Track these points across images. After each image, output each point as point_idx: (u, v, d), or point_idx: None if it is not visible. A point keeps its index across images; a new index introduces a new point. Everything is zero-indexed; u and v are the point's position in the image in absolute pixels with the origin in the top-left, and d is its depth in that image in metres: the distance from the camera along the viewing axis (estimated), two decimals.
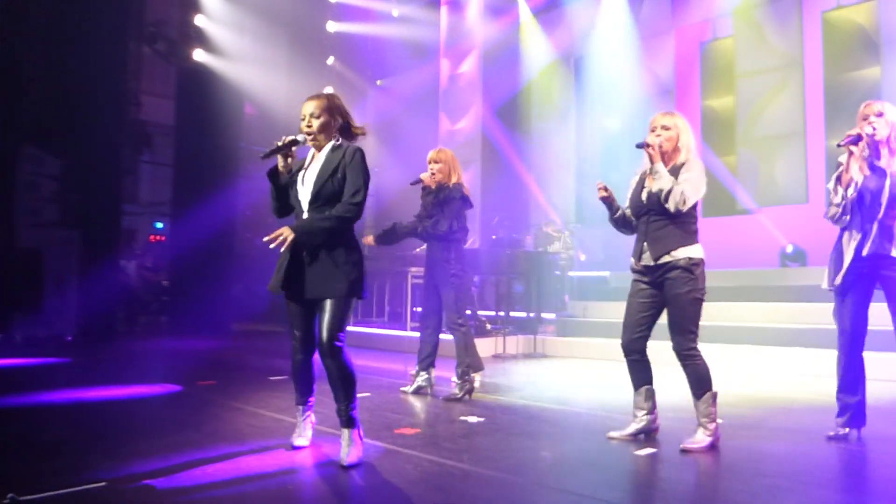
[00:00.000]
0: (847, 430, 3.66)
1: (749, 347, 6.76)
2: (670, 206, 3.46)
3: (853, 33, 9.35)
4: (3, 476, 2.97)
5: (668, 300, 3.57)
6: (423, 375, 5.22)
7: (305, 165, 3.32)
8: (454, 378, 5.05)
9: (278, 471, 3.11)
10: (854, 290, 3.60)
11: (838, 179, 3.61)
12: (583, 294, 9.68)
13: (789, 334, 6.75)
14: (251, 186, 12.65)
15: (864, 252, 3.53)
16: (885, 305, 3.59)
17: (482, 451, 3.51)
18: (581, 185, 11.91)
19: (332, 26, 13.57)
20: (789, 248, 9.27)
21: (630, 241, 3.78)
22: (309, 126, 3.27)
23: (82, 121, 9.48)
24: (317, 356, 3.31)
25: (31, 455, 3.36)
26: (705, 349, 3.62)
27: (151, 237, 15.06)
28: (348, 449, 3.18)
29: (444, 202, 5.00)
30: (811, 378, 5.94)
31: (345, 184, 3.21)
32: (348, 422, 3.21)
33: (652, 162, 3.56)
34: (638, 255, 3.66)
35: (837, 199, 3.59)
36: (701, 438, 3.49)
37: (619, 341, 3.78)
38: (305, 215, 3.23)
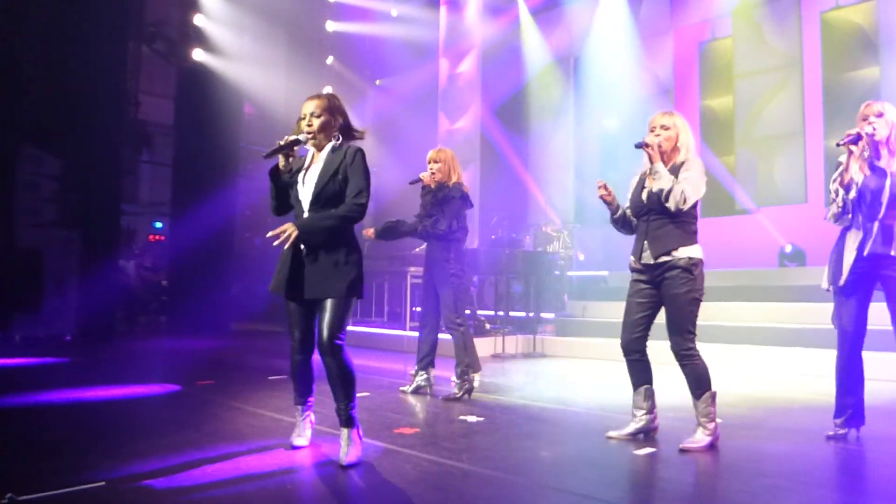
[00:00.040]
0: (846, 430, 3.66)
1: (748, 347, 6.76)
2: (671, 205, 3.47)
3: (852, 33, 9.36)
4: (2, 476, 2.97)
5: (666, 300, 3.57)
6: (423, 375, 5.22)
7: (306, 165, 3.32)
8: (453, 378, 5.05)
9: (277, 470, 3.11)
10: (855, 290, 3.60)
11: (839, 179, 3.61)
12: (582, 294, 9.69)
13: (788, 334, 6.76)
14: (250, 186, 12.67)
15: (866, 252, 3.53)
16: (884, 305, 3.59)
17: (481, 450, 3.51)
18: (580, 185, 11.93)
19: (331, 26, 13.58)
20: (788, 248, 9.27)
21: (629, 240, 3.79)
22: (309, 125, 3.27)
23: (82, 121, 9.48)
24: (316, 356, 3.31)
25: (30, 455, 3.36)
26: (704, 349, 3.63)
27: (151, 237, 15.04)
28: (347, 448, 3.18)
29: (443, 201, 5.00)
30: (810, 378, 5.95)
31: (346, 185, 3.22)
32: (347, 421, 3.22)
33: (651, 161, 3.56)
34: (638, 254, 3.66)
35: (839, 200, 3.60)
36: (700, 438, 3.50)
37: (618, 341, 3.78)
38: (306, 215, 3.23)
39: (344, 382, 3.20)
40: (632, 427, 3.72)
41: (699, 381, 3.54)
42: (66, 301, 9.34)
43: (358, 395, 3.30)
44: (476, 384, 5.20)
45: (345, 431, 3.22)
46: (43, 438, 3.76)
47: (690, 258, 3.52)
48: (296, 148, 3.27)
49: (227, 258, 11.81)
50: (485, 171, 11.93)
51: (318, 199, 3.21)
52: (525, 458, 3.37)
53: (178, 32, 11.86)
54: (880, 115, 3.55)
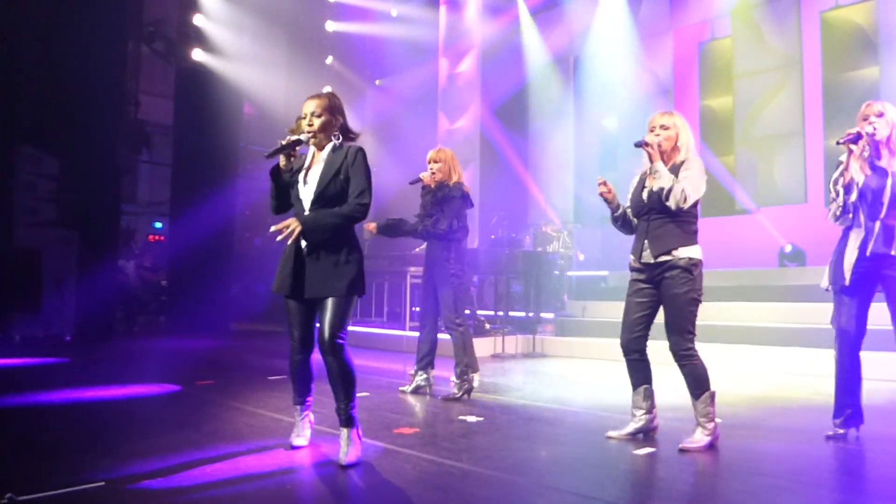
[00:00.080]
0: (845, 429, 3.66)
1: (747, 347, 6.76)
2: (671, 203, 3.47)
3: (851, 33, 9.36)
4: (1, 476, 2.97)
5: (665, 300, 3.57)
6: (422, 375, 5.22)
7: (306, 165, 3.32)
8: (453, 378, 5.04)
9: (277, 470, 3.11)
10: (856, 290, 3.60)
11: (839, 179, 3.61)
12: (581, 294, 9.68)
13: (788, 334, 6.76)
14: (250, 186, 12.67)
15: (868, 251, 3.53)
16: (884, 305, 3.59)
17: (481, 450, 3.51)
18: (580, 185, 11.93)
19: (330, 26, 13.58)
20: (788, 248, 9.27)
21: (628, 240, 3.79)
22: (310, 125, 3.28)
23: (81, 120, 9.48)
24: (316, 356, 3.31)
25: (30, 455, 3.36)
26: (703, 349, 3.63)
27: (150, 237, 15.04)
28: (347, 448, 3.18)
29: (443, 201, 5.00)
30: (809, 378, 5.94)
31: (348, 185, 3.23)
32: (347, 421, 3.22)
33: (651, 161, 3.56)
34: (638, 253, 3.66)
35: (839, 199, 3.60)
36: (699, 438, 3.49)
37: (617, 341, 3.78)
38: (307, 214, 3.23)
39: (344, 382, 3.20)
40: (631, 427, 3.72)
41: (698, 382, 3.54)
42: (65, 301, 9.34)
43: (357, 395, 3.30)
44: (476, 384, 5.20)
45: (344, 431, 3.22)
46: (42, 438, 3.75)
47: (690, 258, 3.52)
48: (297, 148, 3.27)
49: (227, 258, 11.80)
50: (484, 170, 11.92)
51: (320, 199, 3.21)
52: (524, 458, 3.37)
53: (178, 32, 11.86)
54: (881, 114, 3.55)
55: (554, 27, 12.15)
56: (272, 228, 3.10)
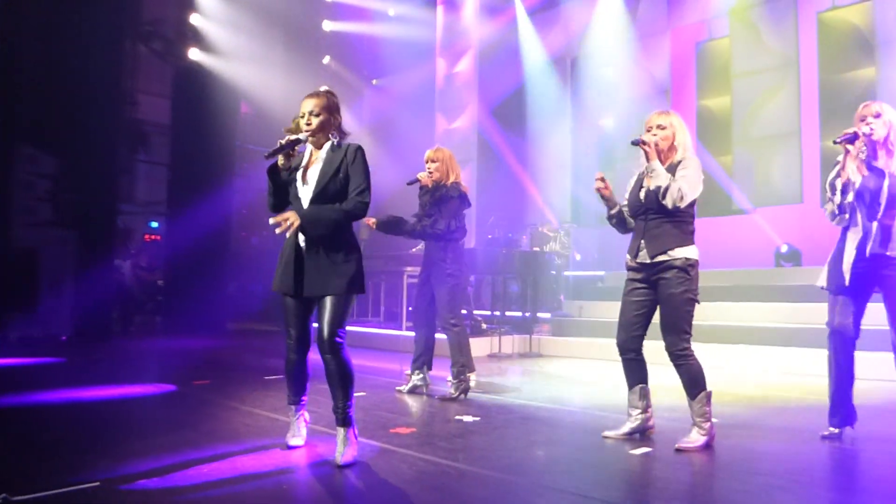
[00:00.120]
0: (841, 429, 3.67)
1: (744, 347, 6.77)
2: (668, 202, 3.47)
3: (848, 34, 9.37)
4: None
5: (662, 299, 3.58)
6: (419, 375, 5.21)
7: (304, 163, 3.33)
8: (449, 377, 5.05)
9: (273, 470, 3.10)
10: (854, 290, 3.60)
11: (836, 179, 3.62)
12: (578, 294, 9.68)
13: (784, 334, 6.77)
14: (247, 185, 12.67)
15: (867, 252, 3.54)
16: (881, 305, 3.60)
17: (477, 450, 3.51)
18: (577, 185, 11.93)
19: (328, 25, 13.58)
20: (784, 248, 9.28)
21: (625, 240, 3.79)
22: (308, 124, 3.28)
23: (79, 120, 9.46)
24: (312, 355, 3.31)
25: (26, 455, 3.36)
26: (699, 349, 3.63)
27: (147, 236, 15.00)
28: (343, 448, 3.18)
29: (441, 201, 4.99)
30: (806, 377, 5.95)
31: (347, 183, 3.24)
32: (344, 420, 3.22)
33: (648, 160, 3.56)
34: (634, 252, 3.66)
35: (835, 198, 3.61)
36: (696, 438, 3.50)
37: (614, 341, 3.78)
38: None
39: (343, 381, 3.20)
40: (627, 426, 3.72)
41: (694, 381, 3.54)
42: (62, 301, 9.32)
43: (354, 394, 3.30)
44: (472, 384, 5.20)
45: (341, 431, 3.22)
46: (38, 438, 3.75)
47: (687, 258, 3.53)
48: (296, 147, 3.28)
49: (224, 257, 11.79)
50: (482, 170, 11.93)
51: (320, 198, 3.22)
52: (521, 458, 3.37)
53: (175, 31, 11.84)
54: (878, 115, 3.55)
55: (551, 27, 12.15)
56: (271, 221, 3.10)
